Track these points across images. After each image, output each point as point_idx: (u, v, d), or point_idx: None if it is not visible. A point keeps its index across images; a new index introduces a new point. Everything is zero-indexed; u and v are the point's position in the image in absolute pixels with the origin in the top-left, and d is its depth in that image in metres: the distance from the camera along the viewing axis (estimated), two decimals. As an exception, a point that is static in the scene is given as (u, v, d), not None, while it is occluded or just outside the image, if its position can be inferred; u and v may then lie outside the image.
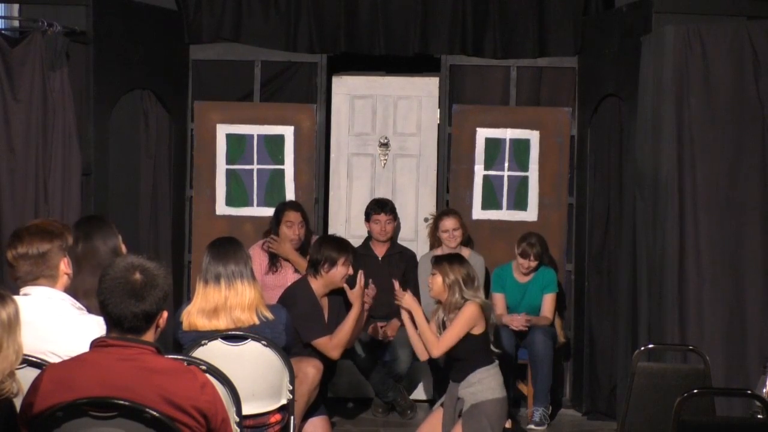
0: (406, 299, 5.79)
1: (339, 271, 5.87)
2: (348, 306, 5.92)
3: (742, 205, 6.06)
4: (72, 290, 4.00)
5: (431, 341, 5.64)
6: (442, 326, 5.69)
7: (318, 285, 5.87)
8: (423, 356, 5.84)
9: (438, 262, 5.74)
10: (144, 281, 3.03)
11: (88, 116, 6.77)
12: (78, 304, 3.89)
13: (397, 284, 5.99)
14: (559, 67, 7.95)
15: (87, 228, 4.70)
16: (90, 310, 3.87)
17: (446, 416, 5.65)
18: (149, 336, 3.08)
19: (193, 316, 4.81)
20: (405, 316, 5.84)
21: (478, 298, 5.61)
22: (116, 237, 4.72)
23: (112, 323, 3.05)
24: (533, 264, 7.28)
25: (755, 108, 6.06)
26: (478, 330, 5.60)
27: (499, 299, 7.37)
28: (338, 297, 5.99)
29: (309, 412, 5.72)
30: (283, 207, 7.27)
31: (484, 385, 5.54)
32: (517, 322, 7.16)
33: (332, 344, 5.77)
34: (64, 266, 3.88)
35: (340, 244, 5.99)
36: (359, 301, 5.84)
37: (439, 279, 5.65)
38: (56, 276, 3.86)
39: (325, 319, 5.89)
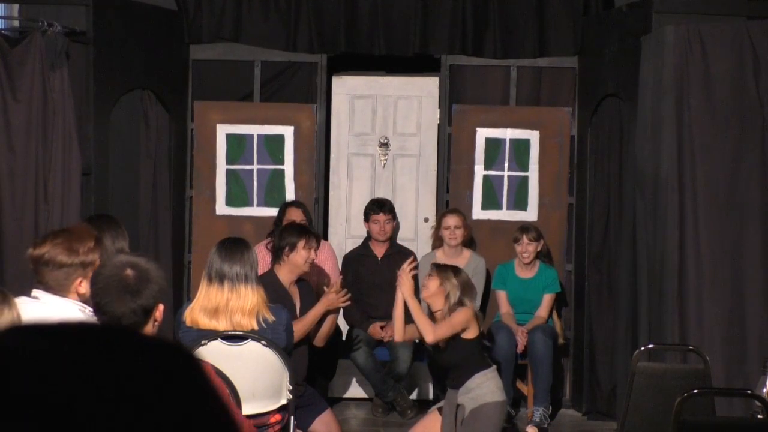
0: (405, 287, 5.70)
1: (301, 255, 5.78)
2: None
3: (742, 204, 6.06)
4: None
5: (427, 327, 5.48)
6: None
7: (283, 272, 5.81)
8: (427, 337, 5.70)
9: (440, 267, 5.62)
10: (137, 276, 3.04)
11: (88, 116, 6.77)
12: (89, 310, 3.85)
13: (406, 266, 5.76)
14: (559, 67, 7.95)
15: (98, 225, 4.71)
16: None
17: (445, 425, 5.57)
18: (147, 332, 3.07)
19: (195, 312, 4.81)
20: (401, 297, 5.72)
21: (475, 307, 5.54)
22: (125, 239, 4.72)
23: (110, 323, 3.05)
24: (530, 247, 7.25)
25: (755, 108, 6.06)
26: (470, 334, 5.46)
27: (501, 296, 7.37)
28: (308, 283, 5.99)
29: (313, 412, 5.69)
30: (284, 206, 7.27)
31: (483, 389, 5.45)
32: (520, 346, 7.13)
33: None
34: (78, 285, 3.79)
35: (301, 229, 5.96)
36: (324, 306, 5.78)
37: (436, 282, 5.49)
38: (66, 293, 3.81)
39: (295, 306, 5.84)
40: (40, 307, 3.76)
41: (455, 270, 5.59)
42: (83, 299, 3.89)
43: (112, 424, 0.76)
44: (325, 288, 6.06)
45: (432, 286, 5.51)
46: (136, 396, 0.78)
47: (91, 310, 3.84)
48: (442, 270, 5.56)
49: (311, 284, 6.14)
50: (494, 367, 5.60)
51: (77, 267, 3.78)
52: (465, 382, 5.47)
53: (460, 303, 5.45)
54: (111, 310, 3.02)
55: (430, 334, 5.47)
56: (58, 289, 3.79)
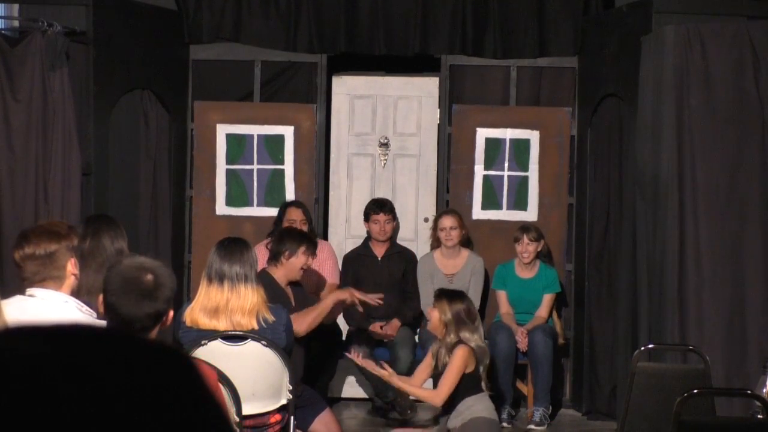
0: (384, 374, 5.84)
1: (299, 260, 5.83)
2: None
3: (742, 204, 6.07)
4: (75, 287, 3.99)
5: (428, 397, 5.67)
6: (435, 360, 5.64)
7: (279, 275, 5.85)
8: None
9: (438, 297, 5.69)
10: (156, 282, 3.05)
11: (88, 116, 6.77)
12: (86, 308, 3.86)
13: (368, 364, 6.02)
14: (559, 67, 7.95)
15: (97, 225, 4.71)
16: (91, 306, 3.85)
17: None
18: (153, 335, 3.08)
19: (195, 312, 4.82)
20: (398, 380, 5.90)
21: (472, 341, 5.53)
22: (124, 239, 4.72)
23: (122, 325, 3.04)
24: (531, 247, 7.26)
25: (755, 108, 6.06)
26: (467, 370, 5.55)
27: (501, 296, 7.37)
28: (301, 288, 6.03)
29: (312, 412, 5.69)
30: (284, 206, 7.28)
31: (472, 409, 5.50)
32: (522, 345, 7.12)
33: (299, 318, 5.68)
34: (71, 267, 3.84)
35: (301, 235, 6.03)
36: (334, 298, 5.93)
37: (436, 315, 5.59)
38: (63, 277, 3.82)
39: (292, 305, 5.84)
40: (39, 304, 3.75)
41: (451, 298, 5.62)
42: (79, 284, 3.91)
43: (110, 429, 0.76)
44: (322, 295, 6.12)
45: (434, 318, 5.63)
46: (134, 402, 0.78)
47: (89, 308, 3.85)
48: (438, 300, 5.65)
49: (311, 286, 6.16)
50: (487, 393, 5.64)
51: (65, 250, 3.81)
52: (456, 406, 5.54)
53: (456, 336, 5.50)
54: (125, 312, 3.02)
55: (436, 400, 5.61)
56: (53, 281, 3.80)
